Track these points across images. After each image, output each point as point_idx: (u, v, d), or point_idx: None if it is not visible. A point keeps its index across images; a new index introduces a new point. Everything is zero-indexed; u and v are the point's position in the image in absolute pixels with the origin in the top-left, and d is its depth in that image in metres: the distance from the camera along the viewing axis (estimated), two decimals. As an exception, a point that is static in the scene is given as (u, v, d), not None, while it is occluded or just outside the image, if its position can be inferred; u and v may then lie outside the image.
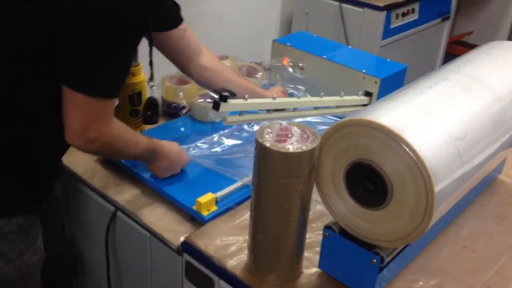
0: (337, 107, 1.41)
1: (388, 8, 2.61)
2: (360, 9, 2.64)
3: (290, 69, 1.59)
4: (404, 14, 2.76)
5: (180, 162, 1.23)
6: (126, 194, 1.23)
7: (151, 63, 1.21)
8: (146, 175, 1.24)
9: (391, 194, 0.85)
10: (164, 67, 1.70)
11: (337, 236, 0.95)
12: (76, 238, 1.45)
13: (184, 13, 2.44)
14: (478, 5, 4.09)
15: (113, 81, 1.01)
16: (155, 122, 1.36)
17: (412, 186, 0.82)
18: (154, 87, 1.25)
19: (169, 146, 1.20)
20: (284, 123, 0.89)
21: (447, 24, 3.16)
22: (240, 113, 1.15)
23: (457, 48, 4.01)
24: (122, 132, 1.08)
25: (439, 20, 3.06)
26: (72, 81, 0.97)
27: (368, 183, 0.87)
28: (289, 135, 0.87)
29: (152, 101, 1.27)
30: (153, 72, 1.22)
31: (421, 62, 3.11)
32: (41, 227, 1.18)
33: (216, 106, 1.09)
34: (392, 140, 0.82)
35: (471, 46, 4.04)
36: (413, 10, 2.82)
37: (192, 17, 2.45)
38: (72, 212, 1.41)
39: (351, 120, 0.86)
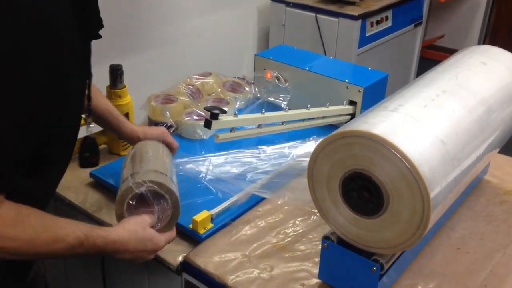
0: (323, 117, 1.43)
1: (363, 16, 2.67)
2: (336, 19, 2.69)
3: (276, 81, 1.61)
4: (378, 22, 2.82)
5: (149, 249, 0.97)
6: (120, 217, 1.22)
7: (89, 98, 1.02)
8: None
9: (387, 203, 0.86)
10: (146, 87, 1.71)
11: (336, 246, 0.96)
12: (70, 265, 1.43)
13: (162, 32, 2.46)
14: (448, 9, 4.20)
15: None
16: (95, 165, 1.19)
17: (407, 194, 0.84)
18: (92, 125, 1.08)
19: (126, 229, 0.93)
20: None
21: (420, 30, 3.23)
22: (231, 129, 1.16)
23: (430, 52, 4.11)
24: (15, 229, 0.80)
25: (412, 26, 3.13)
26: None
27: (364, 192, 0.89)
28: None
29: (89, 141, 1.11)
30: (91, 108, 1.04)
31: (398, 67, 3.17)
32: None
33: (207, 124, 1.09)
34: (385, 148, 0.84)
35: (444, 50, 4.15)
36: (386, 18, 2.88)
37: (170, 36, 2.47)
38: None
39: (350, 131, 0.87)
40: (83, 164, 1.17)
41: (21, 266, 0.98)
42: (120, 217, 0.97)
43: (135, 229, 0.94)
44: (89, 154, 1.15)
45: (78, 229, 0.87)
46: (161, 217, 1.00)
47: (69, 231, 0.85)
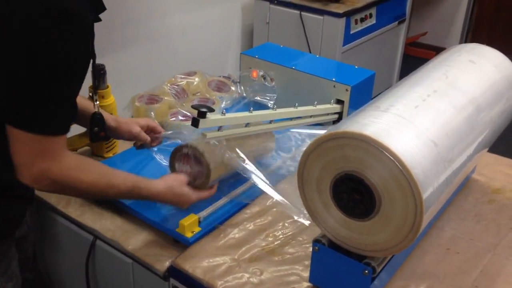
0: (311, 116, 1.41)
1: (347, 14, 2.66)
2: (320, 17, 2.68)
3: (263, 80, 1.59)
4: (362, 20, 2.82)
5: (181, 202, 1.12)
6: (104, 221, 1.19)
7: (94, 76, 1.16)
8: (124, 200, 1.20)
9: (379, 205, 0.85)
10: (129, 87, 1.67)
11: (327, 249, 0.94)
12: (53, 270, 1.40)
13: (145, 30, 2.42)
14: (430, 6, 4.21)
15: (56, 118, 0.93)
16: (104, 139, 1.28)
17: (400, 196, 0.82)
18: (98, 102, 1.19)
19: (166, 184, 1.09)
20: None
21: (403, 27, 3.24)
22: (219, 128, 1.13)
23: (414, 50, 4.12)
24: (81, 172, 0.98)
25: (395, 23, 3.13)
26: (10, 117, 0.91)
27: (355, 194, 0.87)
28: None
29: (97, 116, 1.20)
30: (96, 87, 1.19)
31: (382, 65, 3.18)
32: (16, 253, 1.13)
33: (195, 122, 1.06)
34: (377, 150, 0.82)
35: (427, 47, 4.16)
36: (370, 15, 2.88)
37: (153, 34, 2.43)
38: (48, 244, 1.36)
39: (341, 132, 0.86)
40: (94, 139, 1.24)
41: (12, 219, 1.10)
42: (171, 167, 1.16)
43: (172, 185, 1.10)
44: (97, 129, 1.22)
45: (129, 180, 1.05)
46: (196, 179, 1.13)
47: (122, 180, 1.04)
